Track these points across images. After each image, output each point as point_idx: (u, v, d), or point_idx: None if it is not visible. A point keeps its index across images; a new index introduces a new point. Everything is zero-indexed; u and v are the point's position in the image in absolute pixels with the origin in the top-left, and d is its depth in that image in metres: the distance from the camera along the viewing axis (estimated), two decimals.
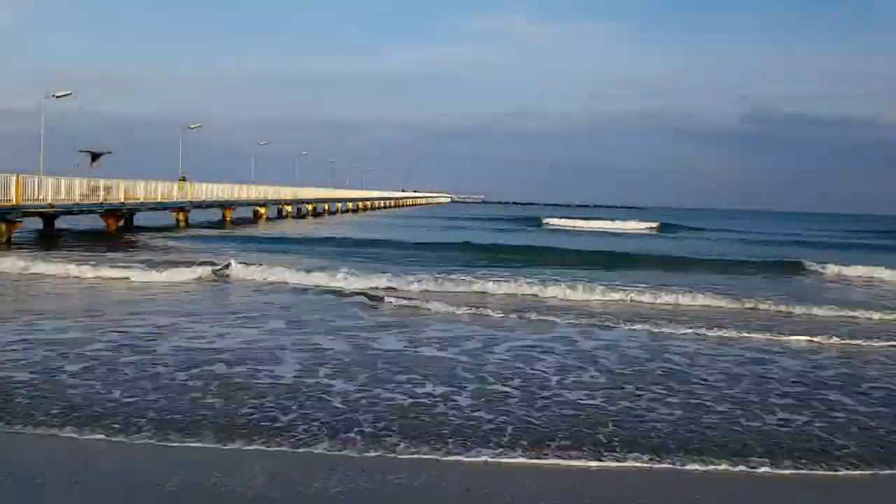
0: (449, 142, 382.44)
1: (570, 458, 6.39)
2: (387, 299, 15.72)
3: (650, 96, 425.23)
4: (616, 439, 6.93)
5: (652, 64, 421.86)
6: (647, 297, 17.27)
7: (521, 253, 31.05)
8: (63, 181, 31.01)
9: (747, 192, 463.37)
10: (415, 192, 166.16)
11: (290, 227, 48.92)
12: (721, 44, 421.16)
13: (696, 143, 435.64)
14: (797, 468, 6.38)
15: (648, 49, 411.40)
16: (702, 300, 17.18)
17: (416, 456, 6.31)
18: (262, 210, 58.71)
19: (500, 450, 6.50)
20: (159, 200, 40.25)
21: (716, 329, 13.41)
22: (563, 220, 79.15)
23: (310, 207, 75.87)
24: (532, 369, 9.76)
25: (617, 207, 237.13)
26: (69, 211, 31.91)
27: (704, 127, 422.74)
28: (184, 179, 46.67)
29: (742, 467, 6.33)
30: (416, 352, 10.71)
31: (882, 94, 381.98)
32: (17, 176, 27.76)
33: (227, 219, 50.99)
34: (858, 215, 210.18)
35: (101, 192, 34.11)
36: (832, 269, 26.69)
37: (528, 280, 18.99)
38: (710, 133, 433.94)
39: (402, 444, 6.55)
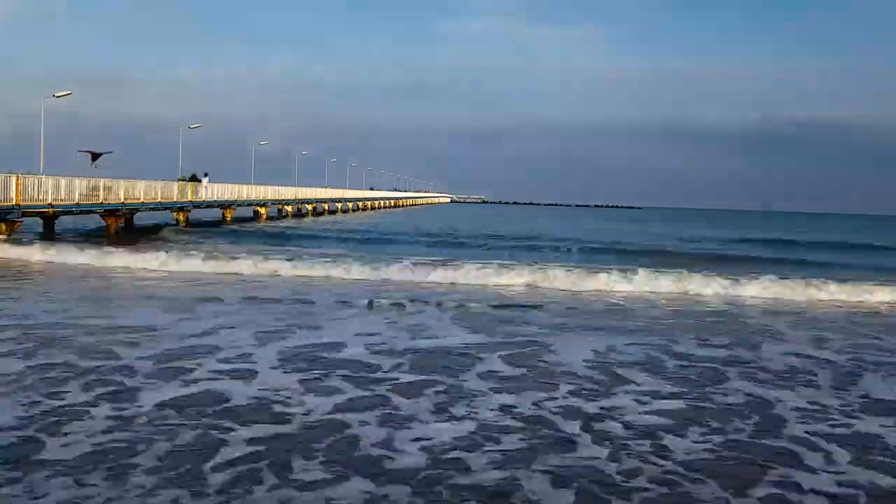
0: (449, 142, 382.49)
1: None
2: None
3: (649, 98, 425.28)
4: None
5: (650, 66, 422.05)
6: None
7: None
8: (63, 181, 30.85)
9: (741, 192, 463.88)
10: (394, 189, 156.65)
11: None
12: (720, 45, 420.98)
13: (693, 145, 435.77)
14: None
15: (647, 51, 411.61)
16: None
17: None
18: (262, 210, 58.62)
19: None
20: (159, 200, 40.13)
21: None
22: None
23: (310, 207, 75.87)
24: None
25: (615, 207, 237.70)
26: (69, 211, 31.78)
27: (701, 129, 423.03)
28: (183, 179, 46.42)
29: None
30: None
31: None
32: (17, 176, 27.64)
33: (227, 219, 50.90)
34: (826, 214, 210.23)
35: (101, 192, 33.96)
36: None
37: None
38: (706, 135, 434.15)
39: None
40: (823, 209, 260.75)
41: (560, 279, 19.88)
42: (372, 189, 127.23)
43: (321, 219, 66.51)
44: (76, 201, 31.46)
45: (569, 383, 8.94)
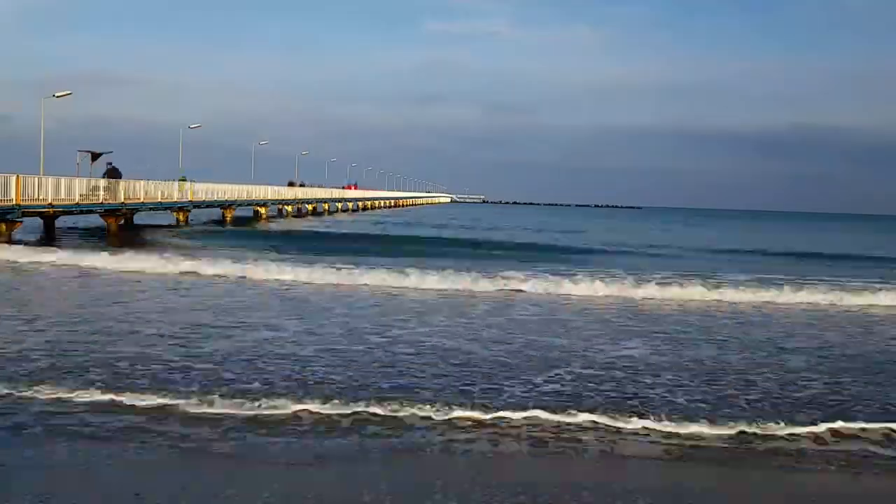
0: (450, 143, 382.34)
1: None
2: None
3: (649, 99, 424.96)
4: None
5: (649, 67, 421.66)
6: None
7: None
8: (63, 181, 30.70)
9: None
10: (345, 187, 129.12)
11: None
12: (719, 46, 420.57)
13: (694, 146, 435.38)
14: None
15: (647, 52, 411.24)
16: None
17: None
18: (263, 210, 58.50)
19: None
20: (159, 200, 40.02)
21: None
22: None
23: (310, 207, 75.79)
24: None
25: (615, 207, 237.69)
26: (69, 211, 31.68)
27: (700, 129, 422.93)
28: (184, 179, 46.37)
29: None
30: None
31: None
32: (17, 176, 27.51)
33: (227, 218, 50.76)
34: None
35: (101, 192, 33.85)
36: None
37: None
38: (706, 135, 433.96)
39: None
40: (827, 210, 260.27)
41: None
42: (297, 184, 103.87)
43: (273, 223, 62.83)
44: (76, 201, 31.37)
45: None
